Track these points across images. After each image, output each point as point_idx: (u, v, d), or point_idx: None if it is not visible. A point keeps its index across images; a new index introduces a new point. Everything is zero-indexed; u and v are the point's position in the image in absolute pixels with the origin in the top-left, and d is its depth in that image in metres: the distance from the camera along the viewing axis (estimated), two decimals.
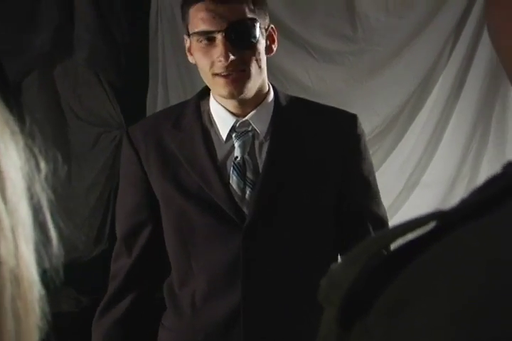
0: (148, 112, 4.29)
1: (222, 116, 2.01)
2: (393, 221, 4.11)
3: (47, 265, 0.60)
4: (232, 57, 1.87)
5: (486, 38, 4.15)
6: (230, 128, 1.99)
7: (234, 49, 1.88)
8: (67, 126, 4.21)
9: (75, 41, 4.06)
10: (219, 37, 1.88)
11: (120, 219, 2.12)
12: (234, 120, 1.99)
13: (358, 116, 2.10)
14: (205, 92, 2.06)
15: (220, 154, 2.00)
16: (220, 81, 1.91)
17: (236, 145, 1.99)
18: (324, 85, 4.33)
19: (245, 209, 1.97)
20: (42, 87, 4.02)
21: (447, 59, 4.30)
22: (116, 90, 4.23)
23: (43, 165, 0.61)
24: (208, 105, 2.04)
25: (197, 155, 1.99)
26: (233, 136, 2.00)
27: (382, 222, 2.09)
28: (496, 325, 0.52)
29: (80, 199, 4.36)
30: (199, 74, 2.03)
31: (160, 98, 4.30)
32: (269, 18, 2.02)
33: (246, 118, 2.00)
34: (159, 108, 4.25)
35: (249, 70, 1.91)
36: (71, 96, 4.23)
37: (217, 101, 2.02)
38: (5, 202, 0.56)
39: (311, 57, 4.33)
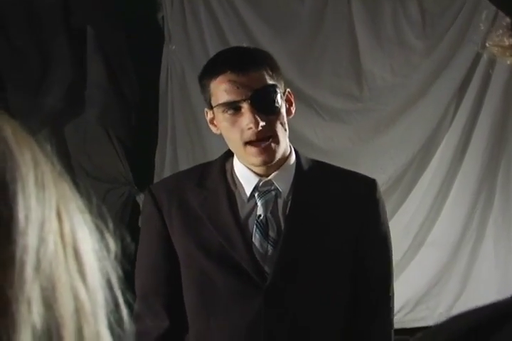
0: (157, 170, 4.30)
1: (245, 176, 2.03)
2: (399, 281, 4.09)
3: None
4: (262, 123, 1.90)
5: (490, 98, 4.18)
6: (253, 187, 2.01)
7: (261, 116, 1.91)
8: (76, 183, 4.18)
9: (86, 99, 4.09)
10: (245, 106, 1.91)
11: (140, 277, 2.10)
12: (257, 179, 2.02)
13: (364, 174, 2.14)
14: (229, 154, 2.09)
15: (243, 212, 2.01)
16: (252, 150, 1.94)
17: (259, 203, 2.01)
18: (331, 143, 4.35)
19: (266, 269, 1.98)
20: (53, 144, 4.02)
21: (452, 118, 4.33)
22: (125, 147, 4.23)
23: (112, 244, 0.61)
24: (231, 165, 2.06)
25: (220, 213, 2.00)
26: (256, 194, 2.02)
27: (386, 284, 2.10)
28: None
29: None
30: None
31: (168, 156, 4.31)
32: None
33: (269, 177, 2.02)
34: (167, 166, 4.28)
35: (277, 135, 1.95)
36: (81, 153, 4.23)
37: (241, 162, 2.04)
38: (87, 288, 0.55)
39: (319, 116, 4.36)
